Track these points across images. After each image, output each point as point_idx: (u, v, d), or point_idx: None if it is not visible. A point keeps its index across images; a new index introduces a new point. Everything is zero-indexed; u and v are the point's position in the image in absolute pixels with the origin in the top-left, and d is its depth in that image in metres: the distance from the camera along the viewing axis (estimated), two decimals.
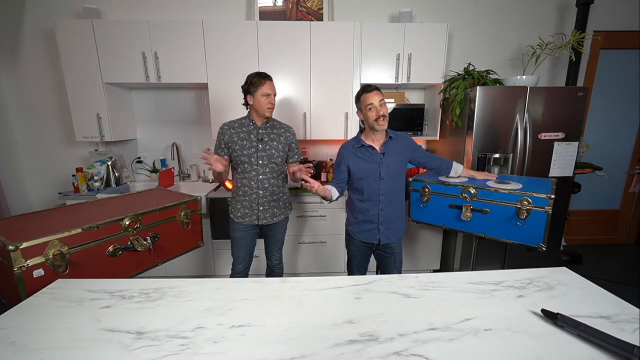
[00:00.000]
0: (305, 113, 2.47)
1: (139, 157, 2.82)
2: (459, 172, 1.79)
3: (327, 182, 2.71)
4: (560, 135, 2.14)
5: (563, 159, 2.18)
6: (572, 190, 2.49)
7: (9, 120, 2.67)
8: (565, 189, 2.22)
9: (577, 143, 2.16)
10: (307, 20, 2.52)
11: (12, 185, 2.68)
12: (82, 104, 2.36)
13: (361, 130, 1.70)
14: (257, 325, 0.80)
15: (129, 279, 1.08)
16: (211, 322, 0.81)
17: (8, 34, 2.54)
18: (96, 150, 2.65)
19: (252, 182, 1.74)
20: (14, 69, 2.60)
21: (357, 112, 1.63)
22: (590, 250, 3.13)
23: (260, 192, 1.75)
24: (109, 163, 2.49)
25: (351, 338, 0.74)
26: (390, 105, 2.52)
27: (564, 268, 1.10)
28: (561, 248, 2.60)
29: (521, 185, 1.60)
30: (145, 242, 1.34)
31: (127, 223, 1.29)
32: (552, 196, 1.46)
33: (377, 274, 2.00)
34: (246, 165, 1.73)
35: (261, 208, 1.77)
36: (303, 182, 1.45)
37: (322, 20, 2.60)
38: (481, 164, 2.16)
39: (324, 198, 1.58)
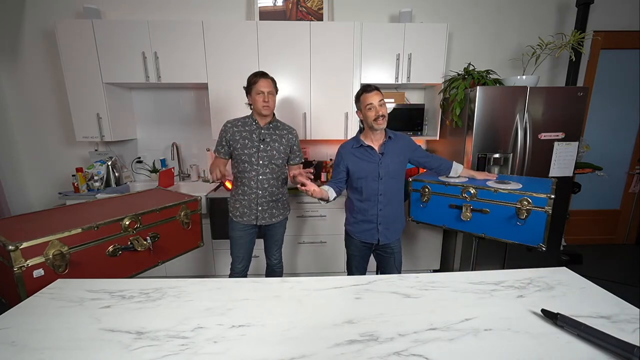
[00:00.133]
0: (305, 113, 2.47)
1: (139, 157, 2.82)
2: (459, 172, 1.79)
3: (327, 182, 2.71)
4: (560, 135, 2.14)
5: (563, 159, 2.18)
6: (572, 190, 2.49)
7: (9, 120, 2.67)
8: (565, 189, 2.22)
9: (577, 143, 2.16)
10: (307, 20, 2.52)
11: (12, 185, 2.68)
12: (82, 104, 2.36)
13: (360, 130, 1.70)
14: (257, 325, 0.80)
15: (129, 279, 1.08)
16: (211, 322, 0.81)
17: (8, 34, 2.54)
18: (96, 150, 2.65)
19: (252, 182, 1.74)
20: (14, 69, 2.60)
21: (356, 111, 1.63)
22: (590, 250, 3.13)
23: (260, 192, 1.75)
24: (109, 163, 2.49)
25: (351, 338, 0.74)
26: (390, 105, 2.52)
27: (564, 268, 1.10)
28: (561, 248, 2.60)
29: (521, 185, 1.60)
30: (145, 242, 1.34)
31: (127, 223, 1.29)
32: (552, 196, 1.46)
33: (377, 273, 2.00)
34: (246, 165, 1.72)
35: (260, 208, 1.77)
36: (300, 186, 1.45)
37: (322, 20, 2.60)
38: (481, 164, 2.16)
39: (320, 199, 1.58)
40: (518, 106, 2.10)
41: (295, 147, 1.84)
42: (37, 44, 2.56)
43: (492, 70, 2.31)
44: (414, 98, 2.85)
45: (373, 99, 1.51)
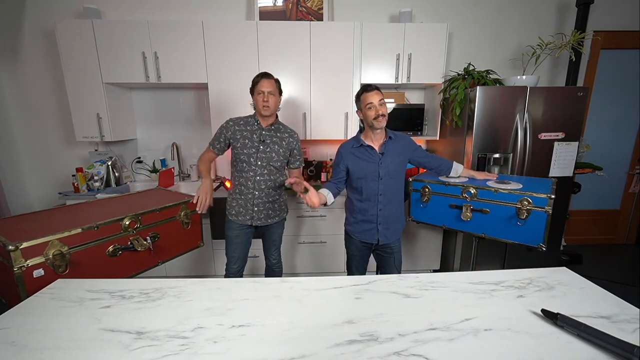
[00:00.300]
0: (305, 113, 2.47)
1: (139, 157, 2.82)
2: (459, 172, 1.79)
3: (327, 182, 2.71)
4: (560, 135, 2.14)
5: (563, 159, 2.18)
6: (572, 190, 2.49)
7: (9, 120, 2.67)
8: (565, 189, 2.22)
9: (577, 143, 2.16)
10: (307, 20, 2.52)
11: (12, 185, 2.68)
12: (82, 104, 2.36)
13: (361, 130, 1.70)
14: (257, 325, 0.80)
15: (129, 279, 1.08)
16: (211, 322, 0.81)
17: (8, 34, 2.54)
18: (96, 150, 2.65)
19: (249, 182, 1.73)
20: (14, 69, 2.60)
21: (356, 111, 1.63)
22: (590, 250, 3.13)
23: (256, 192, 1.74)
24: (109, 163, 2.49)
25: (351, 338, 0.74)
26: (390, 105, 2.52)
27: (564, 268, 1.10)
28: (561, 248, 2.60)
29: (521, 185, 1.60)
30: (145, 242, 1.34)
31: (127, 223, 1.29)
32: (552, 196, 1.46)
33: (376, 273, 2.00)
34: (245, 165, 1.72)
35: (255, 209, 1.76)
36: (300, 194, 1.46)
37: (322, 20, 2.60)
38: (481, 164, 2.16)
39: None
40: (518, 106, 2.10)
41: (295, 151, 1.83)
42: (37, 44, 2.56)
43: (492, 70, 2.31)
44: (414, 98, 2.85)
45: (373, 98, 1.51)
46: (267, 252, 1.97)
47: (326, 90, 2.44)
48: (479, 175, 1.79)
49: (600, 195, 3.21)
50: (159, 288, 0.98)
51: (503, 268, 2.33)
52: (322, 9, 2.60)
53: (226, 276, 1.88)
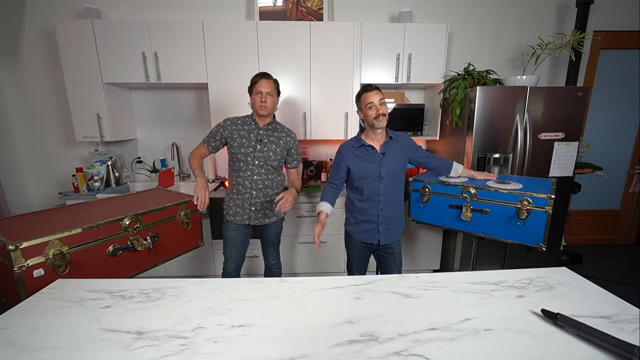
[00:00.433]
0: (305, 113, 2.47)
1: (139, 157, 2.82)
2: (459, 172, 1.79)
3: (326, 182, 2.71)
4: (560, 135, 2.14)
5: (563, 159, 2.18)
6: (572, 190, 2.49)
7: (9, 120, 2.67)
8: (565, 189, 2.22)
9: (577, 143, 2.16)
10: (307, 20, 2.52)
11: (12, 185, 2.68)
12: (82, 104, 2.36)
13: (361, 130, 1.70)
14: (257, 325, 0.80)
15: (129, 279, 1.08)
16: (211, 322, 0.81)
17: (8, 34, 2.54)
18: (96, 150, 2.65)
19: (247, 182, 1.73)
20: (14, 69, 2.60)
21: (357, 111, 1.63)
22: (590, 250, 3.12)
23: (254, 192, 1.74)
24: (109, 163, 2.49)
25: (351, 338, 0.74)
26: (390, 105, 2.52)
27: (564, 268, 1.10)
28: (561, 248, 2.60)
29: (521, 185, 1.60)
30: (145, 242, 1.34)
31: (127, 223, 1.29)
32: (552, 196, 1.46)
33: (377, 274, 2.00)
34: (242, 164, 1.72)
35: (253, 209, 1.76)
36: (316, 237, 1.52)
37: (322, 20, 2.60)
38: (481, 164, 2.16)
39: None
40: (518, 106, 2.10)
41: (292, 150, 1.83)
42: (37, 44, 2.56)
43: (492, 70, 2.31)
44: (414, 98, 2.85)
45: (373, 97, 1.51)
46: (266, 252, 1.97)
47: (326, 90, 2.44)
48: (479, 175, 1.79)
49: (600, 195, 3.21)
50: (159, 288, 0.98)
51: (503, 268, 2.33)
52: (322, 9, 2.60)
53: (223, 275, 1.89)
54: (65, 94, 2.36)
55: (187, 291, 0.97)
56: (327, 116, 2.48)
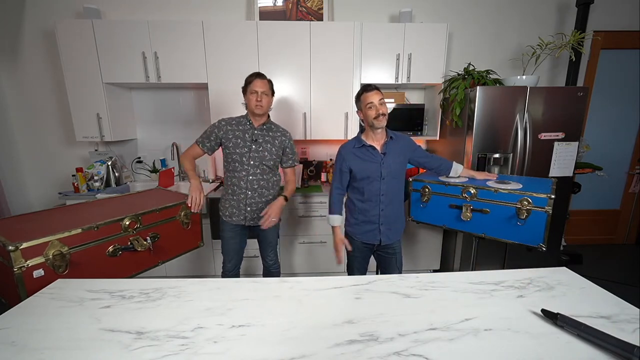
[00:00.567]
0: (305, 113, 2.47)
1: (139, 157, 2.82)
2: (459, 172, 1.79)
3: (327, 181, 2.71)
4: (560, 135, 2.14)
5: (563, 159, 2.18)
6: (572, 190, 2.49)
7: (9, 120, 2.67)
8: (565, 189, 2.22)
9: (577, 143, 2.16)
10: (307, 20, 2.52)
11: (12, 185, 2.68)
12: (82, 104, 2.36)
13: (361, 130, 1.70)
14: (257, 325, 0.80)
15: (129, 279, 1.08)
16: (211, 322, 0.81)
17: (8, 34, 2.54)
18: (96, 150, 2.65)
19: (242, 182, 1.73)
20: (14, 69, 2.60)
21: (357, 111, 1.63)
22: (590, 250, 3.12)
23: (249, 192, 1.74)
24: (109, 163, 2.49)
25: (351, 338, 0.74)
26: (390, 105, 2.52)
27: (564, 268, 1.10)
28: (561, 248, 2.60)
29: (521, 185, 1.60)
30: (145, 242, 1.34)
31: (127, 223, 1.29)
32: (552, 196, 1.46)
33: (377, 274, 2.00)
34: (237, 164, 1.72)
35: (249, 209, 1.76)
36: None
37: (322, 20, 2.60)
38: (481, 164, 2.16)
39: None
40: (518, 106, 2.10)
41: (287, 150, 1.83)
42: (37, 44, 2.56)
43: (492, 70, 2.31)
44: (414, 98, 2.85)
45: (373, 97, 1.51)
46: (264, 253, 1.96)
47: (326, 90, 2.44)
48: (479, 175, 1.79)
49: (600, 195, 3.21)
50: (159, 288, 0.98)
51: (503, 268, 2.33)
52: (322, 9, 2.60)
53: (222, 275, 1.90)
54: (65, 94, 2.36)
55: (187, 291, 0.97)
56: (327, 116, 2.48)
